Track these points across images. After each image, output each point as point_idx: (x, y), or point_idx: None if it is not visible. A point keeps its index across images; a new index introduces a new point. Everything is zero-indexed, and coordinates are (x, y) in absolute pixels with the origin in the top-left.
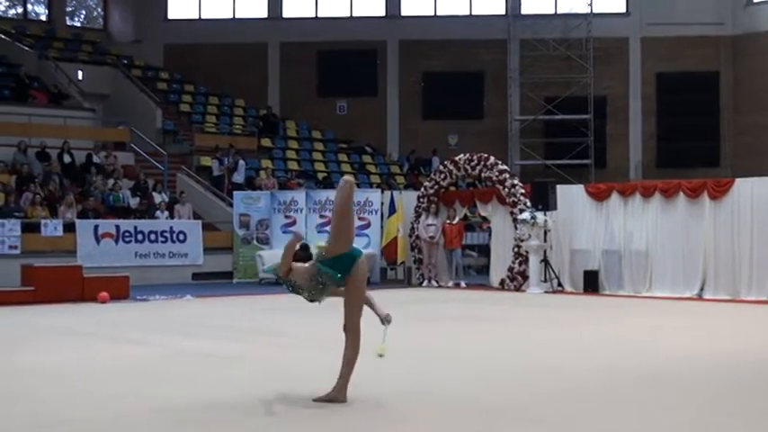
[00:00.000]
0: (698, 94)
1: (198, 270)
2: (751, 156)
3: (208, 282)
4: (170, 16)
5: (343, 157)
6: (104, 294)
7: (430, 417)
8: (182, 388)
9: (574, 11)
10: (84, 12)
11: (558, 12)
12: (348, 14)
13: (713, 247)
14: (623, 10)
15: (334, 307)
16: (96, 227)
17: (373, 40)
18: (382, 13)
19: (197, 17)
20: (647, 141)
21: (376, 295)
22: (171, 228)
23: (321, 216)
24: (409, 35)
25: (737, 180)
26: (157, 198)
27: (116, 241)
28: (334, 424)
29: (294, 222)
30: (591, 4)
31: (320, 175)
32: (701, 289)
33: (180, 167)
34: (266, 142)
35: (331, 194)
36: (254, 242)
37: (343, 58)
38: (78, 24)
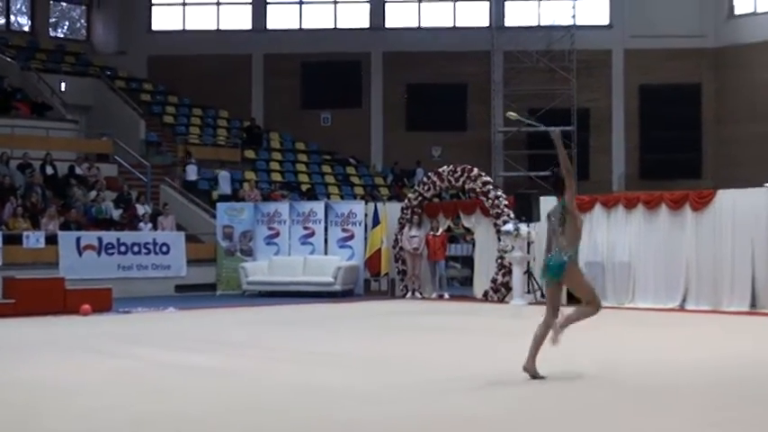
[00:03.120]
0: (680, 106)
1: (181, 282)
2: (732, 167)
3: (191, 294)
4: (154, 27)
5: (326, 168)
6: (86, 307)
7: (414, 430)
8: (166, 401)
9: (557, 23)
10: (67, 23)
11: (542, 24)
12: (332, 26)
13: (695, 258)
14: (606, 22)
15: (317, 322)
16: (78, 239)
17: (357, 51)
18: (366, 24)
19: (181, 29)
20: (630, 153)
21: (358, 307)
22: (154, 239)
23: (305, 228)
24: (393, 47)
25: (719, 192)
26: (140, 210)
27: (98, 253)
28: None
29: (278, 234)
30: (574, 17)
31: (304, 187)
32: (684, 300)
33: (163, 179)
34: (250, 154)
35: (314, 206)
36: (238, 254)
37: (327, 70)
38: (61, 35)
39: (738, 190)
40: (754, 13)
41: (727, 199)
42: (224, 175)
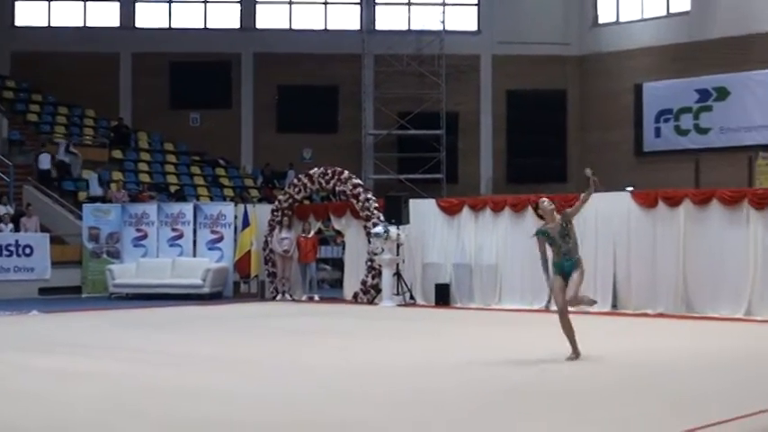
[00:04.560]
0: (546, 111)
1: (45, 285)
2: (596, 172)
3: (55, 297)
4: (17, 23)
5: (195, 169)
6: None
7: (282, 430)
8: (31, 406)
9: (427, 28)
10: None
11: (412, 28)
12: (202, 26)
13: None
14: (475, 28)
15: (185, 325)
16: None
17: (227, 52)
18: (237, 25)
19: (46, 25)
20: (498, 157)
21: (227, 310)
22: (16, 241)
23: (173, 229)
24: (264, 48)
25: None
26: (2, 210)
27: None
28: None
29: (146, 236)
30: (443, 22)
31: (172, 188)
32: (549, 301)
33: (26, 179)
34: (117, 154)
35: (183, 207)
36: (104, 256)
37: (196, 70)
38: None
39: (601, 194)
40: (617, 23)
41: (590, 203)
42: (93, 177)
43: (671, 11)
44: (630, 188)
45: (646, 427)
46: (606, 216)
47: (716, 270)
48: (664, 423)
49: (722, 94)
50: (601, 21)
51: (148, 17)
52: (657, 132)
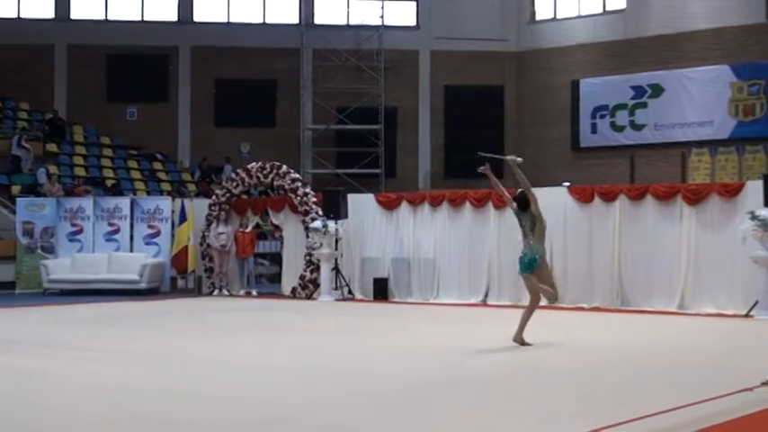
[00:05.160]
0: (484, 107)
1: None
2: (533, 168)
3: None
4: None
5: (132, 163)
6: None
7: (219, 427)
8: None
9: (365, 23)
10: None
11: (351, 23)
12: (139, 18)
13: (497, 254)
14: (413, 23)
15: (121, 321)
16: None
17: (165, 45)
18: (174, 18)
19: None
20: (436, 152)
21: (164, 305)
22: None
23: (110, 224)
24: (202, 41)
25: (520, 190)
26: None
27: None
28: None
29: (81, 230)
30: (382, 17)
31: (109, 182)
32: (486, 295)
33: None
34: (52, 147)
35: (120, 202)
36: (39, 251)
37: (133, 63)
38: None
39: (538, 189)
40: (554, 19)
41: None
42: (41, 171)
43: (607, 8)
44: (567, 183)
45: (556, 425)
46: (543, 211)
47: (650, 264)
48: (577, 419)
49: (657, 91)
50: (538, 17)
51: (84, 8)
52: (594, 128)
